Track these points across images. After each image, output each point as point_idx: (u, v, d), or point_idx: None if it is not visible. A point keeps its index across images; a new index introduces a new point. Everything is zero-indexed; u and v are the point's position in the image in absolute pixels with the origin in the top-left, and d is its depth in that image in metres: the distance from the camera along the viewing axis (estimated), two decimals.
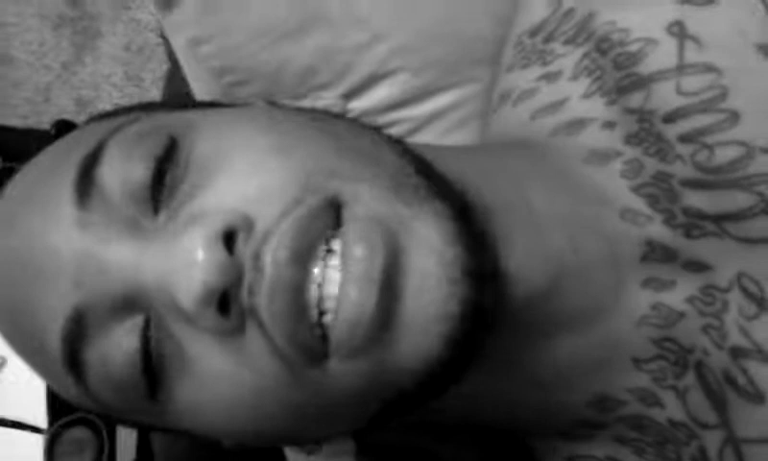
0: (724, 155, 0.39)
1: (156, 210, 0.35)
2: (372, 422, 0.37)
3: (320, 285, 0.32)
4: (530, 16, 0.48)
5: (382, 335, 0.32)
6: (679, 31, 0.40)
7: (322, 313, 0.32)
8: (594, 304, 0.39)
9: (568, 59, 0.44)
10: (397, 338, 0.32)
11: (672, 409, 0.39)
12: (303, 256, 0.32)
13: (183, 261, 0.32)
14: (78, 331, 0.35)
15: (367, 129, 0.39)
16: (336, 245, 0.32)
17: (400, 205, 0.34)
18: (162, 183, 0.35)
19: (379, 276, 0.31)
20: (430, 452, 0.49)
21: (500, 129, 0.48)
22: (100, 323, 0.35)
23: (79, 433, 0.80)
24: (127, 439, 0.82)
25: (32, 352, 0.38)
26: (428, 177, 0.36)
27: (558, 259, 0.38)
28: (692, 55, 0.40)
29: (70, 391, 0.37)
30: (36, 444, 0.82)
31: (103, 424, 0.82)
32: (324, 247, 0.32)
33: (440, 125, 0.56)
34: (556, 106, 0.44)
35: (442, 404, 0.37)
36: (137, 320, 0.35)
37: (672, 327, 0.39)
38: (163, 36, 0.61)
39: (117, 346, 0.35)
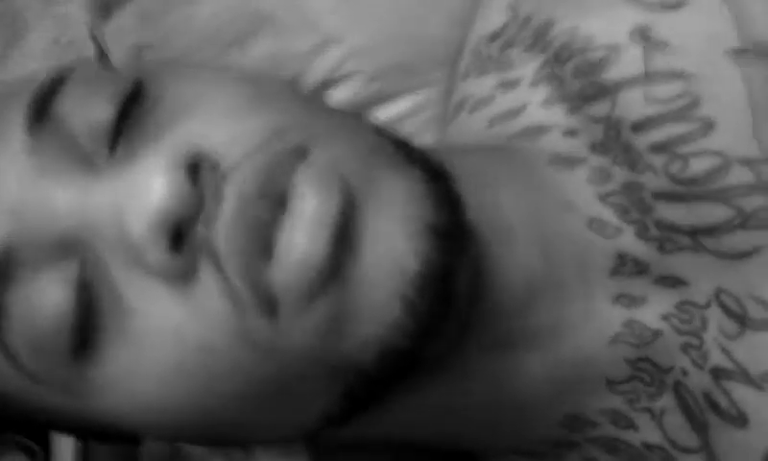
0: (699, 165, 0.38)
1: (112, 148, 0.32)
2: (327, 419, 0.34)
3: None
4: (487, 23, 0.46)
5: (332, 285, 0.30)
6: (644, 36, 0.39)
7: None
8: (563, 317, 0.38)
9: (527, 67, 0.43)
10: (351, 294, 0.30)
11: (647, 432, 0.38)
12: (272, 197, 0.30)
13: (139, 186, 0.30)
14: (3, 272, 0.32)
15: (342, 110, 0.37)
16: None
17: (371, 167, 0.32)
18: (124, 123, 0.32)
19: (330, 220, 0.30)
20: None
21: (457, 138, 0.46)
22: (30, 264, 0.31)
23: (13, 458, 0.77)
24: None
25: None
26: (408, 152, 0.34)
27: (526, 263, 0.37)
28: (660, 61, 0.39)
29: None
30: None
31: (39, 448, 0.79)
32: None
33: (399, 130, 0.55)
34: (514, 112, 0.43)
35: (400, 417, 0.36)
36: (72, 265, 0.31)
37: (647, 346, 0.38)
38: (94, 39, 0.58)
39: (47, 293, 0.31)
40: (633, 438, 0.39)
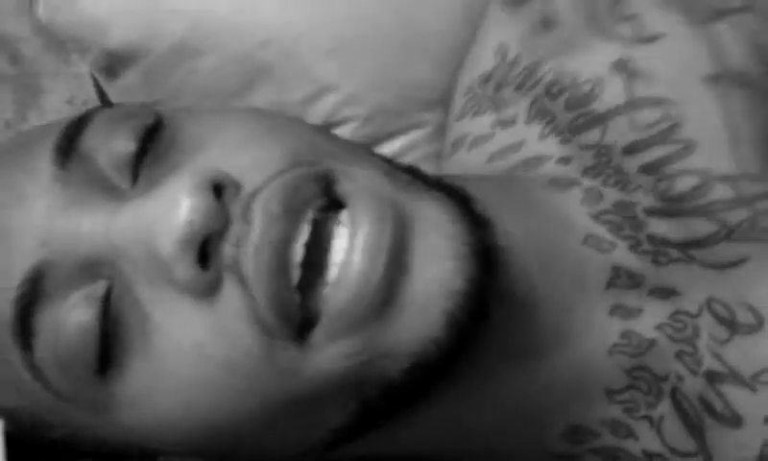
0: (684, 184, 0.40)
1: (135, 178, 0.34)
2: (341, 433, 0.35)
3: (307, 246, 0.31)
4: (478, 66, 0.48)
5: (384, 310, 0.31)
6: (624, 69, 0.42)
7: (307, 284, 0.31)
8: (564, 328, 0.39)
9: (520, 105, 0.45)
10: (398, 316, 0.31)
11: (646, 440, 0.39)
12: (294, 212, 0.31)
13: (166, 206, 0.31)
14: (34, 293, 0.33)
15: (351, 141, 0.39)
16: (323, 215, 0.32)
17: (397, 189, 0.33)
18: (146, 154, 0.34)
19: (388, 246, 0.31)
20: None
21: (456, 172, 0.48)
22: (59, 287, 0.33)
23: None
24: None
25: None
26: (423, 178, 0.36)
27: (527, 277, 0.38)
28: (641, 89, 0.41)
29: (9, 372, 0.34)
30: None
31: None
32: (313, 211, 0.32)
33: None
34: (513, 148, 0.45)
35: (409, 433, 0.37)
36: (99, 286, 0.32)
37: (643, 355, 0.39)
38: (104, 101, 0.60)
39: (73, 313, 0.32)
40: (633, 447, 0.39)
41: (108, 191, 0.34)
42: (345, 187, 0.32)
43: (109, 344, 0.32)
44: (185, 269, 0.30)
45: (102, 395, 0.33)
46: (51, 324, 0.33)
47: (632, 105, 0.41)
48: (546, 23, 0.45)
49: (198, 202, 0.30)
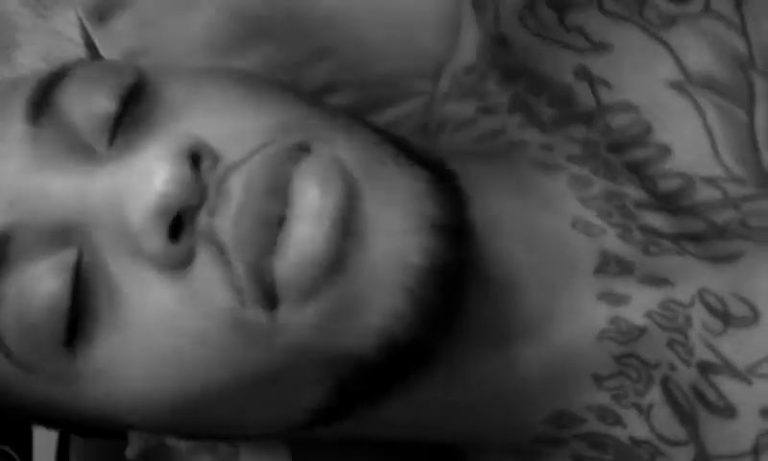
0: (668, 185, 0.40)
1: (112, 141, 0.32)
2: (317, 413, 0.34)
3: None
4: (464, 55, 0.48)
5: (335, 278, 0.30)
6: (586, 75, 0.41)
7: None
8: (550, 311, 0.38)
9: (502, 96, 0.44)
10: (351, 285, 0.30)
11: (634, 427, 0.39)
12: (280, 193, 0.30)
13: (139, 173, 0.30)
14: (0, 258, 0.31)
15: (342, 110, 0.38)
16: None
17: (373, 162, 0.33)
18: (125, 115, 0.33)
19: (332, 212, 0.30)
20: None
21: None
22: (26, 251, 0.31)
23: None
24: None
25: None
26: (408, 150, 0.35)
27: (511, 255, 0.38)
28: (606, 96, 0.41)
29: None
30: None
31: (18, 455, 0.78)
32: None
33: None
34: (496, 132, 0.44)
35: (389, 415, 0.36)
36: (69, 254, 0.31)
37: (633, 342, 0.39)
38: (90, 46, 0.58)
39: (41, 279, 0.31)
40: (620, 434, 0.39)
41: (83, 152, 0.32)
42: (316, 155, 0.31)
43: (78, 315, 0.31)
44: (155, 242, 0.30)
45: (68, 367, 0.32)
46: (16, 290, 0.31)
47: (603, 109, 0.41)
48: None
49: (173, 172, 0.29)
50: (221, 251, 0.30)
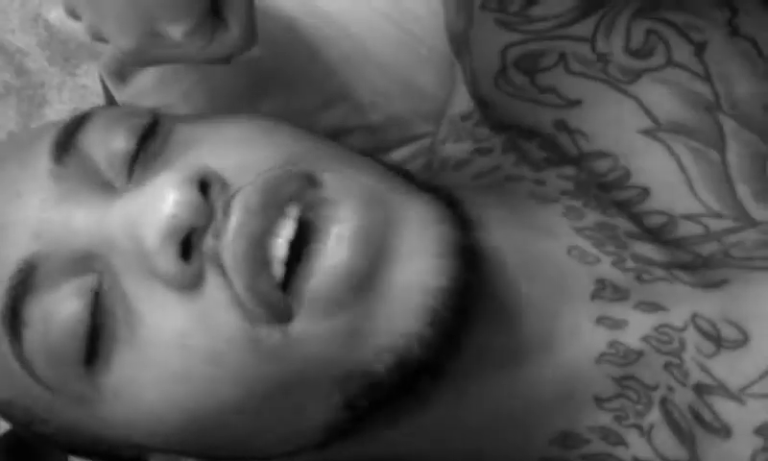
0: (652, 221, 0.42)
1: (130, 176, 0.35)
2: (328, 430, 0.35)
3: (292, 243, 0.32)
4: (460, 102, 0.50)
5: (363, 295, 0.32)
6: (565, 127, 0.44)
7: (290, 273, 0.32)
8: (550, 335, 0.39)
9: (496, 139, 0.47)
10: (377, 304, 0.32)
11: (637, 448, 0.40)
12: (274, 207, 0.32)
13: (152, 200, 0.32)
14: (25, 284, 0.34)
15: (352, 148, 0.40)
16: (312, 214, 0.32)
17: (386, 189, 0.34)
18: (142, 152, 0.35)
19: (369, 235, 0.32)
20: None
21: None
22: (50, 278, 0.34)
23: None
24: None
25: None
26: (417, 182, 0.37)
27: (513, 281, 0.39)
28: (585, 145, 0.43)
29: (1, 363, 0.35)
30: None
31: None
32: (298, 210, 0.32)
33: None
34: (492, 169, 0.46)
35: (398, 436, 0.37)
36: (89, 279, 0.33)
37: (632, 365, 0.40)
38: (109, 99, 0.61)
39: (63, 304, 0.33)
40: (624, 454, 0.40)
41: (103, 187, 0.34)
42: (331, 186, 0.33)
43: (97, 335, 0.33)
44: (167, 262, 0.31)
45: (88, 387, 0.34)
46: (41, 314, 0.33)
47: (584, 156, 0.43)
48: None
49: (182, 196, 0.31)
50: (222, 272, 0.32)
